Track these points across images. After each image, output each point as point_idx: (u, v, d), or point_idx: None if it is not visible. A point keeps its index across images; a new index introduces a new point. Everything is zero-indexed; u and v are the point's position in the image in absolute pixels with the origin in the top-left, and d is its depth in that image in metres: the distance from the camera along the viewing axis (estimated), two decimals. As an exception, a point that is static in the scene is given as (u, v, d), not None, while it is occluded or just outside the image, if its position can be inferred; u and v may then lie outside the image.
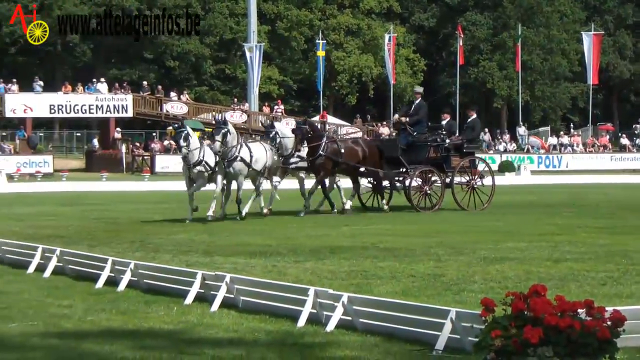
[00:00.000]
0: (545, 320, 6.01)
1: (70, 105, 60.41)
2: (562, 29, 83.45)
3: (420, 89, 26.80)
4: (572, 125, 77.78)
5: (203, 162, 22.55)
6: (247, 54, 63.19)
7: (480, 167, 26.55)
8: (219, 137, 22.15)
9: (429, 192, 24.76)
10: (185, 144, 22.29)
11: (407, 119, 24.83)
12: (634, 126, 70.98)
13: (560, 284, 11.39)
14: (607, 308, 6.27)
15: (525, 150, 64.29)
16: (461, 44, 72.09)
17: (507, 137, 67.13)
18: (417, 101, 25.31)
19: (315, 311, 9.39)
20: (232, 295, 10.48)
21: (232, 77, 77.45)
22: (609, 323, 6.09)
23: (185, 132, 22.63)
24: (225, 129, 22.35)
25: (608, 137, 71.44)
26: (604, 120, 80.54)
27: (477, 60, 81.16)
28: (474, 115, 26.11)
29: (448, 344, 8.06)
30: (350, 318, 9.12)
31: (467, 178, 25.36)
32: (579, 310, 6.16)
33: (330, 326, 9.06)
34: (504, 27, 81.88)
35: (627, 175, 53.54)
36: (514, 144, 65.69)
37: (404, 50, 79.77)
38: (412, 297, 10.48)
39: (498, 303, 6.32)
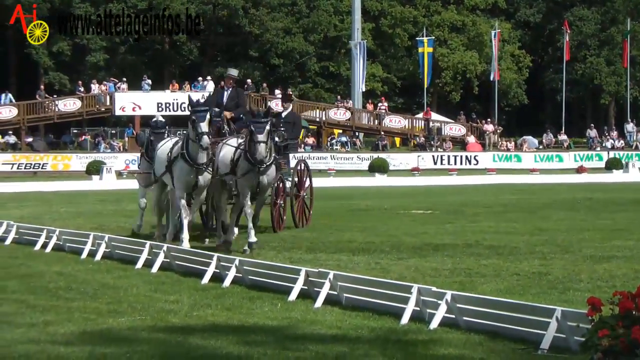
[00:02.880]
0: (654, 321, 5.90)
1: (177, 103, 61.15)
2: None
3: (234, 72, 19.07)
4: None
5: None
6: (353, 51, 63.31)
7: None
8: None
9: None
10: None
11: (231, 114, 18.12)
12: None
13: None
14: None
15: (633, 147, 63.03)
16: (567, 39, 70.94)
17: (614, 133, 65.93)
18: (230, 90, 18.34)
19: (418, 309, 9.37)
20: (335, 292, 10.52)
21: (336, 74, 77.62)
22: None
23: None
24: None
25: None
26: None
27: (584, 56, 79.85)
28: (290, 108, 20.17)
29: (553, 343, 7.97)
30: (453, 316, 9.07)
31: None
32: (689, 311, 6.03)
33: (434, 324, 9.04)
34: (612, 22, 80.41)
35: None
36: (622, 141, 64.48)
37: (509, 47, 78.94)
38: (517, 296, 10.39)
39: (605, 302, 6.23)
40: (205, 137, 15.34)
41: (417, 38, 71.95)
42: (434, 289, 9.45)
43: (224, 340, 8.57)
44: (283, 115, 19.30)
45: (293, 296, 10.81)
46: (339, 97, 68.89)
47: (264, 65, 76.14)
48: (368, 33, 74.10)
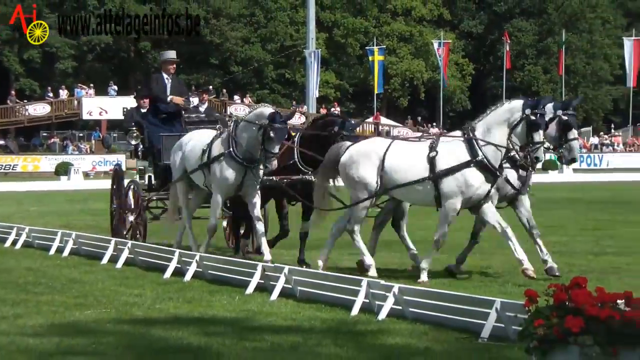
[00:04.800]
0: (585, 311, 5.94)
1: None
2: (604, 34, 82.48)
3: (173, 55, 16.19)
4: (612, 126, 76.84)
5: None
6: (308, 59, 63.28)
7: None
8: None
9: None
10: None
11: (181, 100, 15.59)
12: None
13: (601, 276, 11.27)
14: (645, 299, 6.18)
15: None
16: (508, 49, 71.56)
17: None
18: (171, 77, 15.56)
19: (367, 301, 9.38)
20: (290, 286, 10.50)
21: (291, 81, 77.54)
22: (647, 314, 6.00)
23: None
24: None
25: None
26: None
27: (523, 65, 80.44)
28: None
29: (493, 332, 8.02)
30: (400, 307, 9.09)
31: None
32: (619, 301, 6.08)
33: (382, 315, 9.05)
34: (548, 33, 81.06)
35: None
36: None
37: (454, 55, 79.29)
38: (460, 288, 10.43)
39: (541, 294, 6.26)
40: (276, 160, 12.98)
41: (368, 47, 72.15)
42: (382, 282, 9.46)
43: (185, 332, 8.52)
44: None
45: (250, 289, 10.77)
46: (294, 102, 68.85)
47: (223, 72, 75.89)
48: (322, 42, 74.07)
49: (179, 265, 12.30)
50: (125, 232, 15.29)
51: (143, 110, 16.06)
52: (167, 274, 12.22)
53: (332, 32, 78.24)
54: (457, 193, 11.49)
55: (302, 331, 8.55)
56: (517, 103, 11.48)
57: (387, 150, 11.95)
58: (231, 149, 13.01)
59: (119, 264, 13.35)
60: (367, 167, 11.94)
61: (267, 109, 12.84)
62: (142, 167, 15.59)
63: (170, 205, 14.71)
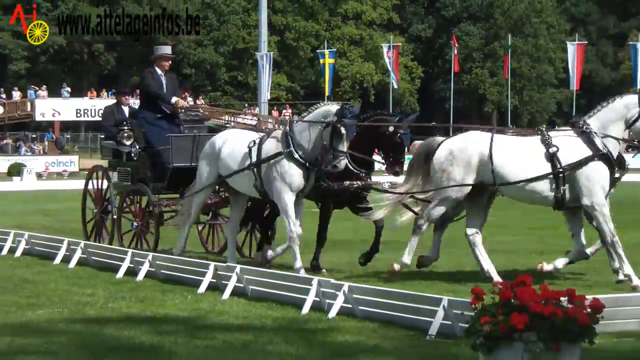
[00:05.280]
0: (530, 308, 5.99)
1: (95, 110, 60.69)
2: (549, 39, 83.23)
3: (169, 50, 14.61)
4: (556, 128, 77.53)
5: None
6: (259, 62, 63.12)
7: None
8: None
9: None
10: None
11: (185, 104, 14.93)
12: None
13: (545, 274, 11.36)
14: (587, 296, 6.25)
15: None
16: (455, 52, 71.97)
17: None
18: (166, 74, 14.21)
19: (318, 299, 9.38)
20: (242, 285, 10.47)
21: (244, 83, 77.35)
22: (588, 310, 6.07)
23: None
24: None
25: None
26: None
27: (470, 68, 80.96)
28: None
29: (440, 329, 8.05)
30: (350, 306, 9.10)
31: None
32: (562, 299, 6.14)
33: (332, 313, 9.05)
34: (495, 37, 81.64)
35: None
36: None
37: (403, 59, 79.59)
38: (408, 286, 10.46)
39: (487, 292, 6.30)
40: (344, 160, 11.56)
41: (319, 50, 72.11)
42: (332, 281, 9.48)
43: (137, 331, 8.46)
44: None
45: (202, 289, 10.72)
46: (246, 104, 68.70)
47: (177, 74, 75.41)
48: (274, 45, 73.96)
49: (132, 265, 12.20)
50: (132, 240, 13.97)
51: (124, 107, 15.23)
52: (120, 273, 12.11)
53: (284, 35, 78.18)
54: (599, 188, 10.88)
55: (253, 329, 8.53)
56: (633, 98, 11.10)
57: (491, 145, 11.13)
58: (291, 149, 11.81)
59: (72, 264, 13.20)
60: (464, 165, 11.17)
61: (332, 106, 11.75)
62: (127, 169, 14.29)
63: (185, 209, 13.28)
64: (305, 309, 9.29)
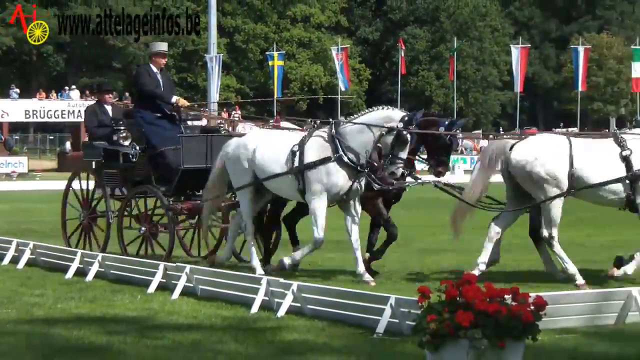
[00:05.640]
0: (475, 306, 6.02)
1: (44, 111, 60.22)
2: (493, 42, 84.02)
3: (165, 47, 13.82)
4: (501, 129, 78.30)
5: None
6: (209, 64, 62.86)
7: None
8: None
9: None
10: None
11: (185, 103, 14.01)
12: (555, 130, 71.54)
13: (490, 273, 11.43)
14: (530, 294, 6.30)
15: (459, 152, 64.60)
16: (402, 55, 72.38)
17: (443, 140, 67.55)
18: (161, 72, 13.53)
19: (267, 298, 9.35)
20: (191, 285, 10.41)
21: (193, 85, 77.03)
22: (532, 308, 6.12)
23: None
24: None
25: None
26: (530, 124, 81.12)
27: (417, 70, 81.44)
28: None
29: (388, 327, 8.07)
30: (299, 305, 9.09)
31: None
32: (506, 296, 6.18)
33: (281, 312, 9.03)
34: (441, 40, 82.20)
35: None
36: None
37: (351, 61, 79.82)
38: (357, 286, 10.48)
39: (433, 290, 6.32)
40: (402, 168, 11.30)
41: (268, 52, 72.07)
42: (281, 280, 9.45)
43: (87, 331, 8.36)
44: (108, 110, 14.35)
45: (152, 289, 10.64)
46: (196, 105, 68.38)
47: (126, 75, 74.92)
48: (223, 47, 73.68)
49: (81, 266, 12.08)
50: (140, 246, 13.23)
51: (107, 107, 14.15)
52: (69, 274, 11.98)
53: (234, 38, 77.98)
54: None
55: (202, 329, 8.49)
56: None
57: (570, 146, 10.97)
58: (341, 153, 11.29)
59: (20, 265, 13.02)
60: (556, 163, 10.90)
61: (396, 112, 11.29)
62: (115, 171, 13.50)
63: (206, 213, 12.52)
64: (255, 308, 9.26)
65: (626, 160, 10.89)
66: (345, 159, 11.26)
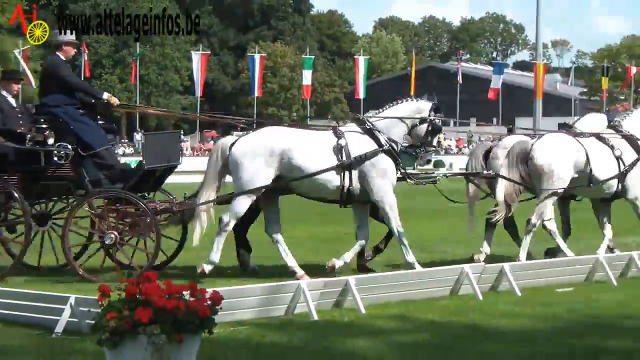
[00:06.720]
0: (154, 302, 5.98)
1: None
2: (175, 48, 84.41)
3: (73, 37, 12.73)
4: (182, 132, 78.86)
5: None
6: None
7: None
8: None
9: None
10: None
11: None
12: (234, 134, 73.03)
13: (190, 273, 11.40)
14: (207, 290, 6.35)
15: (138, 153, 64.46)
16: (86, 59, 70.99)
17: (125, 141, 67.02)
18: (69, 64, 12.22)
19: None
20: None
21: None
22: (209, 302, 6.17)
23: None
24: None
25: (213, 142, 73.16)
26: (209, 128, 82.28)
27: (100, 74, 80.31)
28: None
29: (67, 327, 7.85)
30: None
31: None
32: (185, 292, 6.18)
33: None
34: (124, 45, 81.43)
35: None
36: (131, 148, 65.70)
37: (32, 64, 77.11)
38: (36, 286, 10.07)
39: (114, 289, 6.21)
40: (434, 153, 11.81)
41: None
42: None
43: None
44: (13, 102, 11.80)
45: None
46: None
47: None
48: None
49: None
50: (104, 259, 11.32)
51: (9, 97, 11.55)
52: None
53: None
54: None
55: None
56: None
57: (586, 148, 12.20)
58: (385, 145, 11.15)
59: None
60: (566, 161, 12.04)
61: (423, 103, 11.53)
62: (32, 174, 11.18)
63: (204, 215, 11.25)
64: None
65: (618, 159, 12.32)
66: (392, 150, 11.26)
